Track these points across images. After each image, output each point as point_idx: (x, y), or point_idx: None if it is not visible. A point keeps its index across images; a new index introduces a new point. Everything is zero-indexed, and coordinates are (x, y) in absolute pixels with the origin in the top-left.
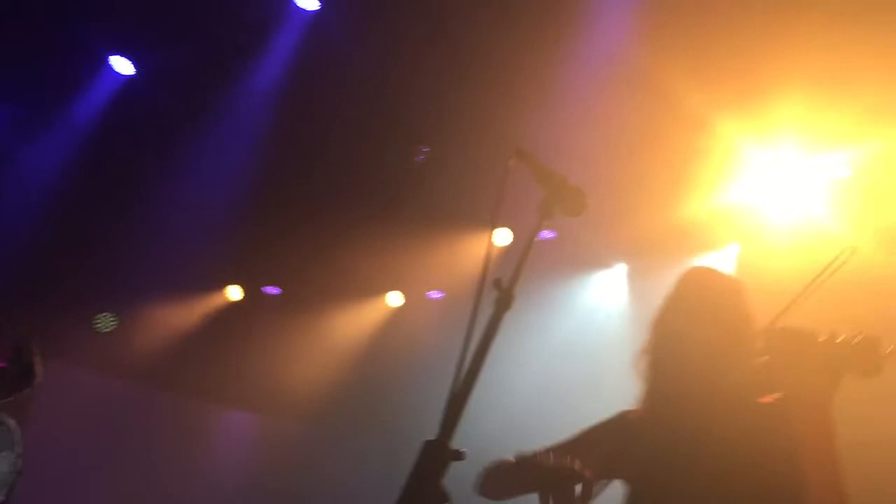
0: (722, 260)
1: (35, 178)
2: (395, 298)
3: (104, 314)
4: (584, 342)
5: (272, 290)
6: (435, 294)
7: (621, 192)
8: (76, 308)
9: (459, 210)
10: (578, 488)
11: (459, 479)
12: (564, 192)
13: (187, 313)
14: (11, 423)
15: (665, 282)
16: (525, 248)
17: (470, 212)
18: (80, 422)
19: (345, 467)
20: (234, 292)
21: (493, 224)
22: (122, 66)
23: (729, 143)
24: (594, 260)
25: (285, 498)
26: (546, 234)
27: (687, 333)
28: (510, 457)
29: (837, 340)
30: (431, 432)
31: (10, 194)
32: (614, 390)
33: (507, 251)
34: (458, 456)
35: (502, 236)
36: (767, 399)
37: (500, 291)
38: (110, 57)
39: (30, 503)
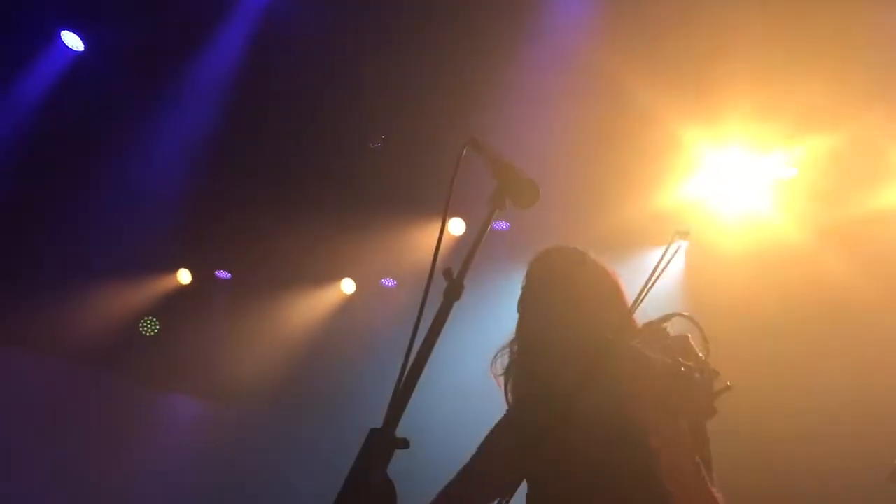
0: (670, 256)
1: None
2: (347, 286)
3: (148, 318)
4: None
5: (223, 274)
6: (388, 282)
7: (573, 187)
8: (21, 288)
9: (414, 198)
10: None
11: (404, 467)
12: (517, 183)
13: (137, 295)
14: None
15: (640, 273)
16: (476, 239)
17: (425, 200)
18: (18, 402)
19: (291, 454)
20: (185, 276)
21: (445, 213)
22: (73, 41)
23: (679, 140)
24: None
25: (230, 483)
26: (499, 225)
27: (546, 333)
28: None
29: (675, 371)
30: (380, 420)
31: None
32: None
33: (461, 241)
34: (402, 444)
35: (456, 226)
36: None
37: (450, 281)
38: (62, 32)
39: None
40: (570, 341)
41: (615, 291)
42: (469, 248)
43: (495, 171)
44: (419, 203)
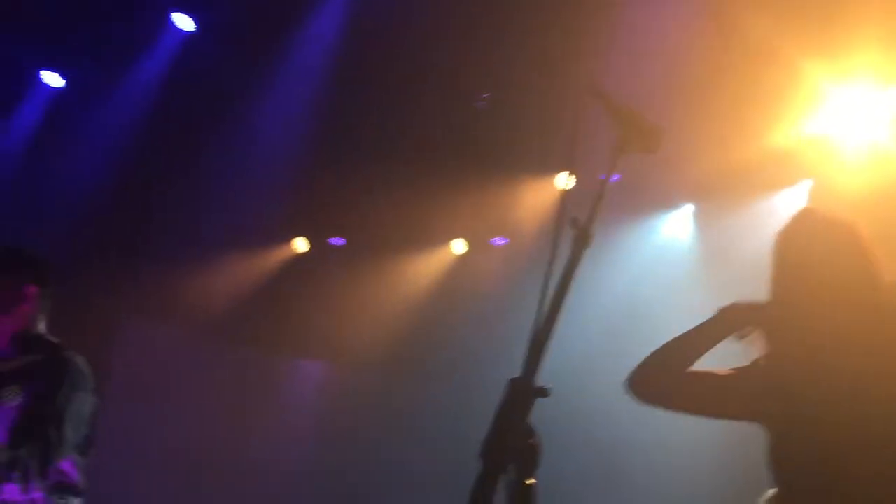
0: (793, 198)
1: (102, 138)
2: (458, 246)
3: None
4: (653, 283)
5: (337, 241)
6: (498, 240)
7: (689, 129)
8: (147, 265)
9: (522, 155)
10: None
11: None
12: (641, 128)
13: (256, 267)
14: (79, 360)
15: (734, 221)
16: (601, 186)
17: (533, 157)
18: (155, 374)
19: (413, 413)
20: (301, 244)
21: (570, 164)
22: (184, 22)
23: (801, 76)
24: (660, 200)
25: (356, 445)
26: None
27: (809, 295)
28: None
29: None
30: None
31: (78, 157)
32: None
33: (571, 195)
34: (543, 393)
35: (564, 180)
36: None
37: (578, 230)
38: (172, 14)
39: (110, 454)
40: (829, 300)
41: (864, 250)
42: (595, 197)
43: (617, 117)
44: (526, 160)
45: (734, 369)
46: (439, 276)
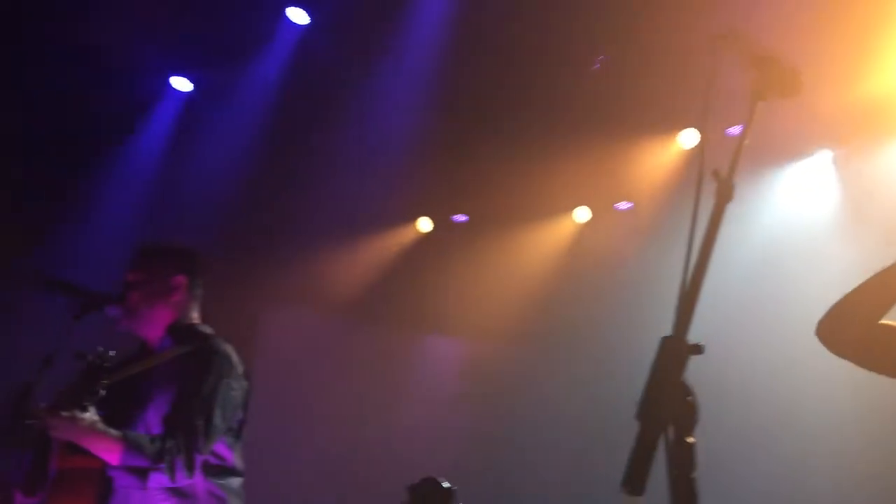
0: None
1: (231, 135)
2: (582, 214)
3: None
4: (791, 235)
5: (460, 218)
6: (623, 205)
7: (820, 67)
8: (282, 253)
9: (641, 116)
10: None
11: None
12: (780, 73)
13: (385, 248)
14: (227, 347)
15: (875, 165)
16: (742, 136)
17: (652, 116)
18: (298, 356)
19: (549, 384)
20: (425, 224)
21: (705, 115)
22: (298, 16)
23: None
24: (794, 148)
25: (494, 418)
26: (733, 129)
27: None
28: None
29: None
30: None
31: (210, 155)
32: (832, 281)
33: (691, 155)
34: (697, 349)
35: (689, 137)
36: None
37: (720, 182)
38: (287, 9)
39: (259, 433)
40: None
41: None
42: (736, 147)
43: (754, 63)
44: (645, 120)
45: None
46: (564, 246)
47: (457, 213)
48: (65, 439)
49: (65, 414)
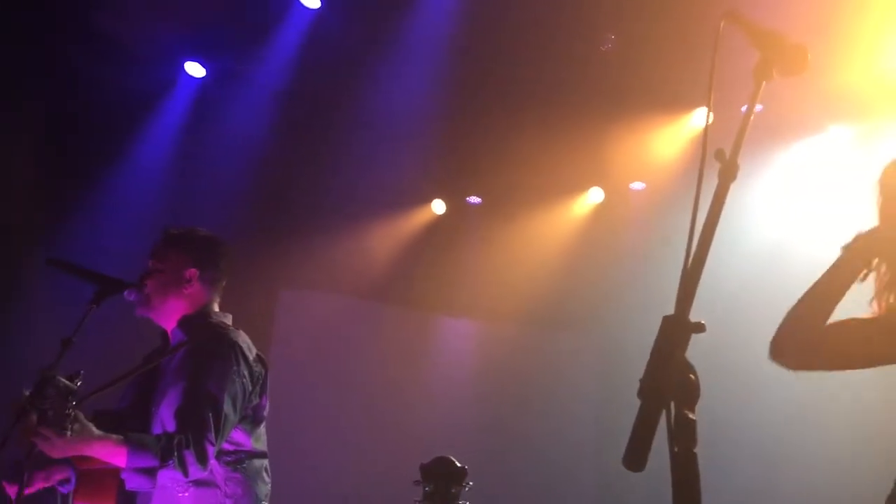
0: None
1: (246, 119)
2: (596, 194)
3: None
4: (803, 218)
5: (474, 200)
6: (636, 185)
7: (830, 43)
8: (298, 236)
9: (653, 96)
10: None
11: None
12: (784, 50)
13: (401, 230)
14: (239, 336)
15: (887, 142)
16: (746, 115)
17: (664, 96)
18: (315, 338)
19: (562, 366)
20: (439, 206)
21: (710, 94)
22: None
23: None
24: (804, 124)
25: (507, 399)
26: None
27: None
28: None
29: None
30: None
31: (226, 139)
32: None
33: (712, 129)
34: (699, 328)
35: (701, 117)
36: None
37: (724, 162)
38: None
39: (281, 416)
40: None
41: None
42: (739, 127)
43: (758, 41)
44: (658, 100)
45: (876, 312)
46: (579, 227)
47: (471, 196)
48: (66, 456)
49: (51, 432)
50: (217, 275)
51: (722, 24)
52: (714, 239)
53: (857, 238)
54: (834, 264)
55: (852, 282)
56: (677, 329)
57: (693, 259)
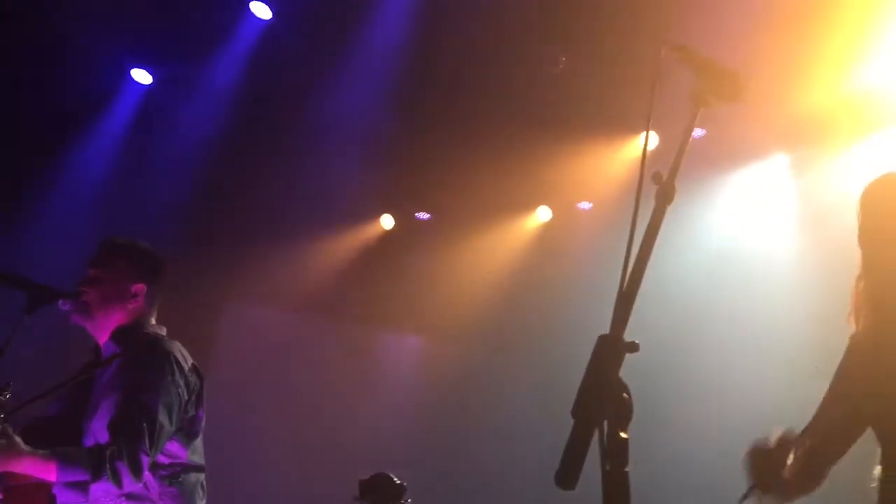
0: (890, 141)
1: (191, 130)
2: (543, 213)
3: None
4: (744, 238)
5: (423, 215)
6: (583, 205)
7: (775, 73)
8: (242, 249)
9: (604, 117)
10: None
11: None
12: (721, 77)
13: (347, 245)
14: (173, 346)
15: (834, 170)
16: (683, 140)
17: (615, 118)
18: (258, 352)
19: (506, 384)
20: (387, 221)
21: (648, 121)
22: (261, 10)
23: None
24: (750, 151)
25: (451, 414)
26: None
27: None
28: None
29: None
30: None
31: (171, 149)
32: (782, 285)
33: (654, 154)
34: (632, 347)
35: (646, 139)
36: None
37: (661, 185)
38: (250, 3)
39: (219, 428)
40: None
41: None
42: (676, 151)
43: (696, 69)
44: (607, 122)
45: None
46: (526, 245)
47: (420, 211)
48: None
49: None
50: (159, 291)
51: (663, 51)
52: (653, 260)
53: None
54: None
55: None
56: (611, 348)
57: (629, 280)
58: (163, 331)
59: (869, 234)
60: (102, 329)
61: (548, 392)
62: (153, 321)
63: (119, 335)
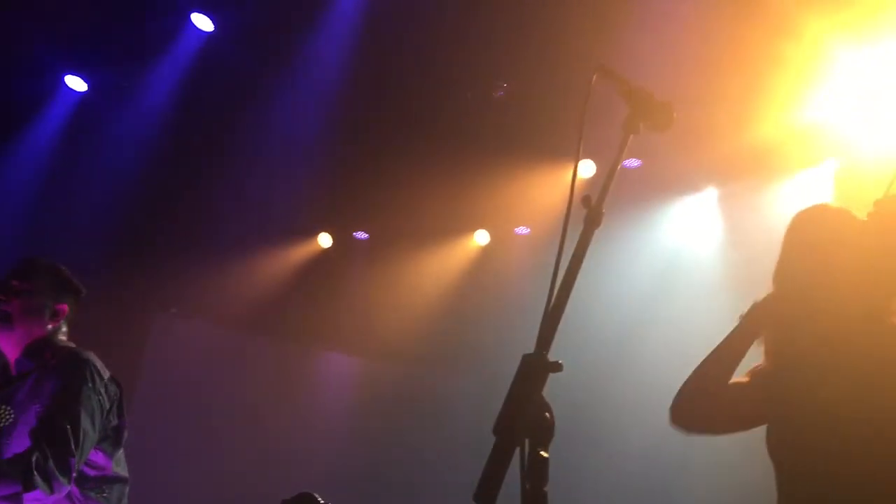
0: (819, 177)
1: (127, 139)
2: (482, 237)
3: None
4: (675, 269)
5: (361, 235)
6: (521, 230)
7: (707, 108)
8: (176, 262)
9: (543, 143)
10: None
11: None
12: (651, 106)
13: (283, 262)
14: (89, 356)
15: (760, 204)
16: (612, 166)
17: (551, 145)
18: (189, 366)
19: (440, 404)
20: (325, 239)
21: (579, 148)
22: (203, 22)
23: (819, 49)
24: (682, 184)
25: (384, 435)
26: (630, 162)
27: (812, 287)
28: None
29: None
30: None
31: (105, 159)
32: (709, 315)
33: (592, 182)
34: (556, 367)
35: (586, 168)
36: None
37: (589, 209)
38: (191, 14)
39: (145, 442)
40: (833, 311)
41: (883, 256)
42: (606, 175)
43: (627, 96)
44: (546, 149)
45: (750, 372)
46: (464, 268)
47: (358, 231)
48: None
49: None
50: (73, 316)
51: (594, 78)
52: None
53: (753, 307)
54: (730, 333)
55: (746, 349)
56: (535, 368)
57: (554, 301)
58: (68, 343)
59: (781, 277)
60: (15, 342)
61: (482, 412)
62: (62, 336)
63: (33, 349)
